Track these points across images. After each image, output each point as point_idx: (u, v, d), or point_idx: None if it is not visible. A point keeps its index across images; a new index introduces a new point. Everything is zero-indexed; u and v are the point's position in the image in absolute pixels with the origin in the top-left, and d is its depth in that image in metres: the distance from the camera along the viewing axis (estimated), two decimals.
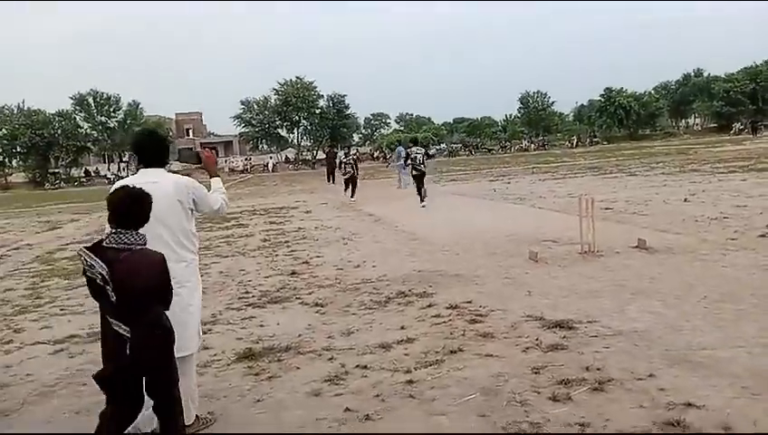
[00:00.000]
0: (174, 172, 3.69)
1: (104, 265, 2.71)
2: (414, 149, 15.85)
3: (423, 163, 15.31)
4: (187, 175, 3.82)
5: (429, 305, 5.81)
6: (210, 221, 13.53)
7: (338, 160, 20.97)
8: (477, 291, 6.23)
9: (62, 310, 6.85)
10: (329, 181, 28.47)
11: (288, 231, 12.26)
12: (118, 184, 3.37)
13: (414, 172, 15.37)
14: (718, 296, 5.38)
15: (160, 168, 3.55)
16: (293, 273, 7.93)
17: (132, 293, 2.74)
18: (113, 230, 2.84)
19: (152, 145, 3.61)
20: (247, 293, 6.97)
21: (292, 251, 9.70)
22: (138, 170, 3.58)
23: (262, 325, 5.61)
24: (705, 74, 69.41)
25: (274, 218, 14.77)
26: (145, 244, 2.89)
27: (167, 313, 2.97)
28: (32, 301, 7.42)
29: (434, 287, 6.50)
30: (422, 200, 14.77)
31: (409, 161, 15.65)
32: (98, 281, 2.74)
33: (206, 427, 3.59)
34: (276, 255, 9.47)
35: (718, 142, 41.68)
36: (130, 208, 2.90)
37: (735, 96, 61.60)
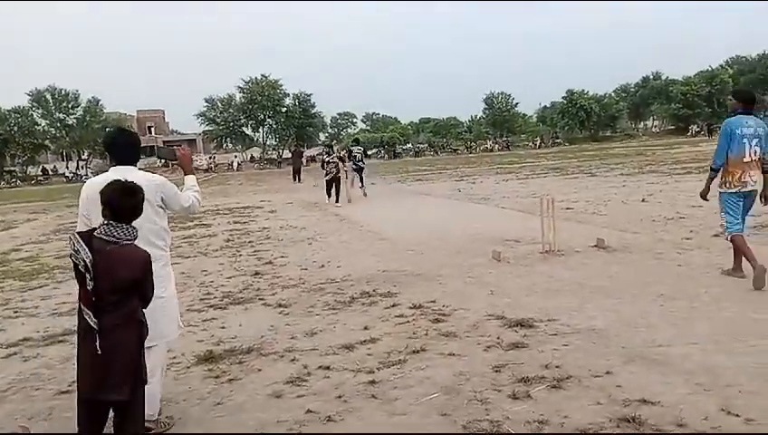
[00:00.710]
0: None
1: (89, 254, 2.77)
2: (355, 148, 19.59)
3: (362, 160, 19.19)
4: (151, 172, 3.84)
5: (393, 305, 5.82)
6: (172, 220, 13.29)
7: (320, 160, 19.76)
8: (441, 290, 6.27)
9: (15, 312, 6.64)
10: (294, 180, 28.34)
11: (252, 231, 12.14)
12: (89, 182, 3.56)
13: (354, 167, 18.74)
14: (673, 294, 5.52)
15: (132, 166, 3.60)
16: (257, 273, 7.86)
17: (110, 286, 2.80)
18: (105, 222, 2.89)
19: (125, 143, 3.67)
20: (209, 294, 6.87)
21: (256, 251, 9.61)
22: (109, 168, 3.60)
23: (223, 327, 5.54)
24: (664, 77, 71.30)
25: (238, 218, 14.61)
26: (135, 238, 2.94)
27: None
28: None
29: (398, 287, 6.51)
30: (361, 187, 18.40)
31: (351, 158, 18.84)
32: (80, 267, 2.78)
33: (166, 430, 3.53)
34: (240, 255, 9.37)
35: (676, 144, 42.90)
36: (122, 202, 2.94)
37: (692, 99, 63.47)
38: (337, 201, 16.59)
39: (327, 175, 17.08)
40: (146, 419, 3.19)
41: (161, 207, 3.59)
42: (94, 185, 3.44)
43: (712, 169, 6.01)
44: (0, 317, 6.48)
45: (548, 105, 77.20)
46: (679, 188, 14.04)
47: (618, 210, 11.44)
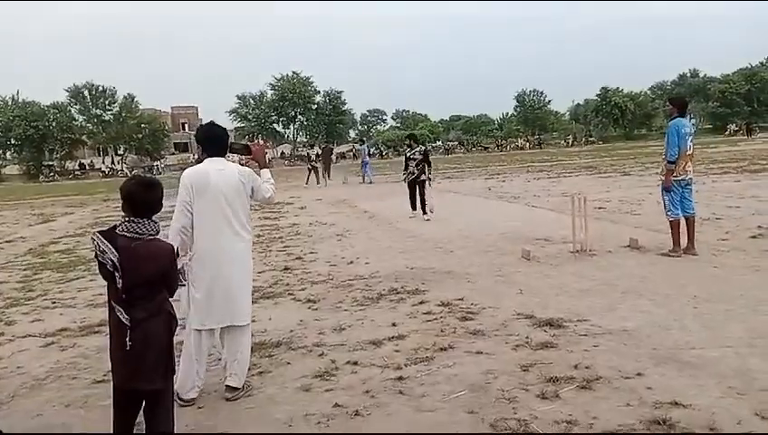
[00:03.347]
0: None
1: (115, 252, 2.82)
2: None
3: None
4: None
5: (421, 302, 5.83)
6: None
7: (404, 156, 13.37)
8: (469, 288, 6.26)
9: (53, 303, 6.84)
10: (325, 177, 28.47)
11: (282, 227, 12.26)
12: (187, 172, 3.90)
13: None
14: (708, 296, 5.41)
15: (222, 157, 3.95)
16: (286, 268, 7.94)
17: (139, 281, 2.86)
18: (126, 218, 2.93)
19: (217, 136, 4.01)
20: None
21: (286, 247, 9.70)
22: (202, 159, 3.95)
23: (254, 320, 5.54)
24: (701, 75, 69.72)
25: (268, 214, 14.75)
26: (157, 233, 3.00)
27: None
28: (24, 294, 7.41)
29: (426, 284, 6.52)
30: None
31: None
32: (108, 267, 2.83)
33: (248, 392, 3.93)
34: (270, 250, 9.47)
35: (713, 143, 41.84)
36: (143, 197, 2.98)
37: (731, 97, 61.92)
38: (424, 212, 12.13)
39: (408, 176, 12.63)
40: (235, 385, 3.86)
41: (249, 196, 3.95)
42: (198, 174, 3.82)
43: (670, 162, 7.22)
44: (39, 307, 6.68)
45: (581, 103, 76.16)
46: (716, 188, 13.72)
47: (652, 210, 11.20)
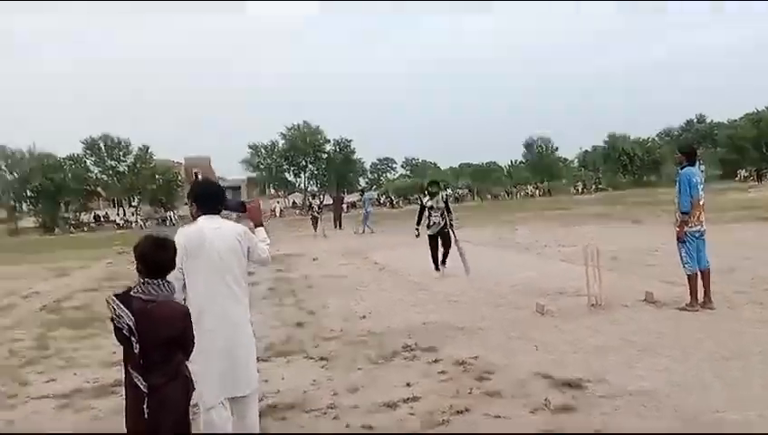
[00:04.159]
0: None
1: (131, 317, 2.81)
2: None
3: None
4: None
5: (435, 361, 5.78)
6: None
7: (421, 204, 11.71)
8: (484, 345, 6.20)
9: (67, 362, 6.85)
10: (335, 227, 28.63)
11: (294, 279, 12.28)
12: (181, 230, 3.71)
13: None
14: (726, 353, 5.34)
15: (216, 214, 3.79)
16: (299, 324, 7.92)
17: (155, 344, 2.85)
18: (141, 280, 2.94)
19: (212, 194, 3.88)
20: None
21: (299, 301, 9.70)
22: (196, 217, 3.79)
23: (266, 380, 5.56)
24: (708, 120, 70.14)
25: (280, 266, 14.78)
26: (172, 293, 3.01)
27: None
28: (38, 352, 7.41)
29: (440, 341, 6.47)
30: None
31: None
32: (124, 331, 2.83)
33: None
34: (283, 304, 9.47)
35: (723, 190, 41.72)
36: (155, 257, 2.99)
37: (739, 142, 61.98)
38: (443, 263, 11.08)
39: (431, 227, 11.19)
40: None
41: (245, 255, 3.76)
42: (193, 233, 3.66)
43: (683, 213, 7.11)
44: (53, 367, 6.68)
45: (589, 150, 76.65)
46: (729, 237, 13.62)
47: (666, 261, 11.10)
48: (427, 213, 11.28)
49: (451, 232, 11.09)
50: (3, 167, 56.37)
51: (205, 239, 3.61)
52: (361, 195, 34.35)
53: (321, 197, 38.32)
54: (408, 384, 5.12)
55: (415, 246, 13.16)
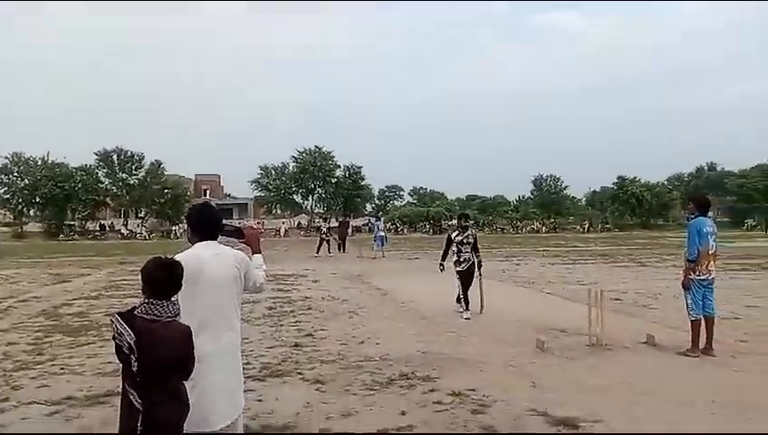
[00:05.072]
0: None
1: (133, 335, 2.81)
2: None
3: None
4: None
5: (431, 390, 5.71)
6: None
7: (449, 238, 10.81)
8: (481, 378, 6.13)
9: (61, 369, 6.80)
10: (340, 250, 28.60)
11: (294, 300, 12.22)
12: (179, 256, 3.39)
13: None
14: (727, 403, 5.25)
15: (214, 240, 3.65)
16: (296, 345, 7.87)
17: (154, 365, 2.84)
18: (146, 301, 2.94)
19: (210, 220, 3.71)
20: (248, 364, 6.86)
21: (297, 322, 9.64)
22: (193, 242, 3.64)
23: (260, 400, 5.52)
24: (719, 169, 70.18)
25: (282, 286, 14.74)
26: (176, 315, 2.99)
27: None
28: (33, 357, 7.38)
29: (437, 371, 6.40)
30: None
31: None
32: (124, 349, 2.82)
33: None
34: (281, 325, 9.42)
35: (731, 238, 41.52)
36: (162, 278, 2.99)
37: (749, 192, 61.93)
38: (467, 306, 10.11)
39: (461, 263, 10.46)
40: None
41: (242, 282, 3.64)
42: (191, 259, 3.42)
43: (689, 261, 7.26)
44: (47, 373, 6.64)
45: (597, 190, 76.62)
46: (734, 285, 13.53)
47: (669, 305, 11.03)
48: (455, 248, 10.58)
49: (478, 271, 10.56)
50: (15, 172, 56.79)
51: (203, 266, 3.45)
52: (377, 219, 34.23)
53: (329, 219, 38.32)
54: (403, 413, 5.06)
55: (418, 273, 13.12)
